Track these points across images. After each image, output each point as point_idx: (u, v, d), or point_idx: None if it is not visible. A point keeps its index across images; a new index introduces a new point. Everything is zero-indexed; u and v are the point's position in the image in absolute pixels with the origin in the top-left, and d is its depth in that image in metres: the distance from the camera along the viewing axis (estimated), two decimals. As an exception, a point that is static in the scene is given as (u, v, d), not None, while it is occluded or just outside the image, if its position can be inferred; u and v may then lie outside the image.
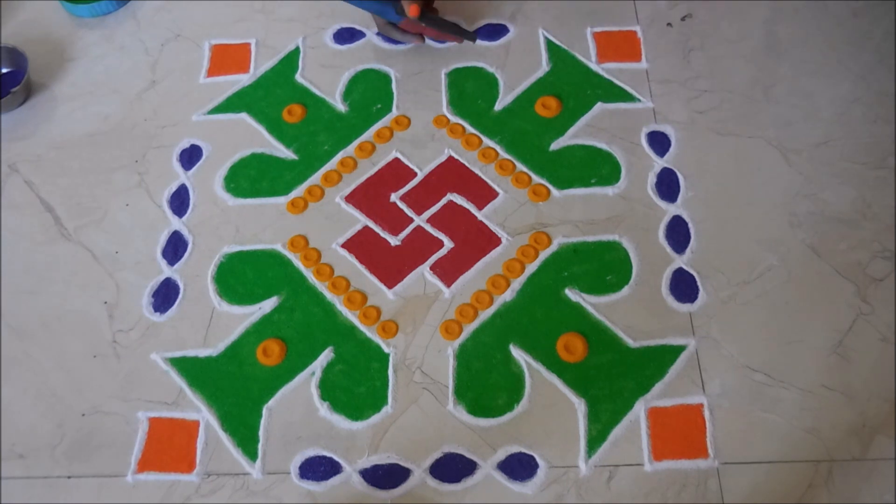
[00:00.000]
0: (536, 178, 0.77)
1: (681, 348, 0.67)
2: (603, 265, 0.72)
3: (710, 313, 0.69)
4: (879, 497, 0.60)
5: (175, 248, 0.75)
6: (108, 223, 0.77)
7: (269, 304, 0.72)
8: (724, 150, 0.78)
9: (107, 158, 0.81)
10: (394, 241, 0.74)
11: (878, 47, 0.83)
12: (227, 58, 0.88)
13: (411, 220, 0.75)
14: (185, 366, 0.69)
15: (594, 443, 0.64)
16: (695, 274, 0.71)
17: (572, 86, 0.82)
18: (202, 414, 0.67)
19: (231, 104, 0.84)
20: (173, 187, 0.79)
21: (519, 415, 0.65)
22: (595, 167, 0.77)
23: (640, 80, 0.82)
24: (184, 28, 0.91)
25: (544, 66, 0.84)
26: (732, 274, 0.71)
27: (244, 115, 0.83)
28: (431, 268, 0.73)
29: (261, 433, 0.66)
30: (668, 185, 0.76)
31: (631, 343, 0.68)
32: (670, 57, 0.84)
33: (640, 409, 0.65)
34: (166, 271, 0.74)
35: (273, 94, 0.85)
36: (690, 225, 0.73)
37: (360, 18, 0.89)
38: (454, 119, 0.81)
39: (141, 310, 0.72)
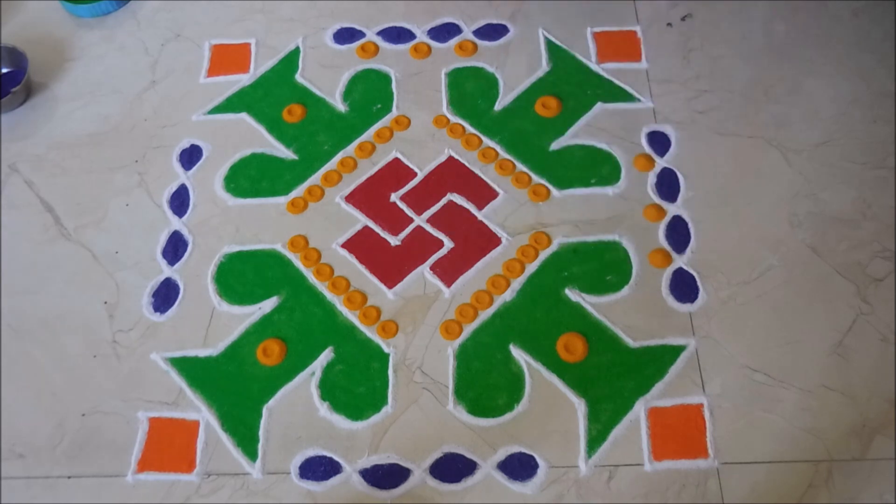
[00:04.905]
0: (536, 178, 0.77)
1: (681, 348, 0.67)
2: (603, 265, 0.72)
3: (710, 313, 0.69)
4: (879, 497, 0.60)
5: (175, 248, 0.75)
6: (108, 223, 0.77)
7: (269, 304, 0.72)
8: (724, 150, 0.78)
9: (107, 158, 0.81)
10: (394, 241, 0.74)
11: (878, 47, 0.83)
12: (227, 58, 0.88)
13: (411, 220, 0.75)
14: (185, 366, 0.69)
15: (594, 443, 0.64)
16: (695, 274, 0.71)
17: (572, 86, 0.82)
18: (202, 414, 0.67)
19: (231, 104, 0.84)
20: (173, 187, 0.79)
21: (519, 415, 0.65)
22: (595, 167, 0.77)
23: (640, 80, 0.82)
24: (184, 28, 0.91)
25: (544, 66, 0.84)
26: (732, 274, 0.71)
27: (244, 115, 0.83)
28: (431, 268, 0.73)
29: (261, 433, 0.66)
30: (668, 185, 0.76)
31: (631, 343, 0.68)
32: (670, 57, 0.84)
33: (640, 409, 0.65)
34: (166, 271, 0.74)
35: (273, 94, 0.85)
36: (690, 225, 0.73)
37: (361, 18, 0.89)
38: (454, 119, 0.81)
39: (141, 310, 0.72)
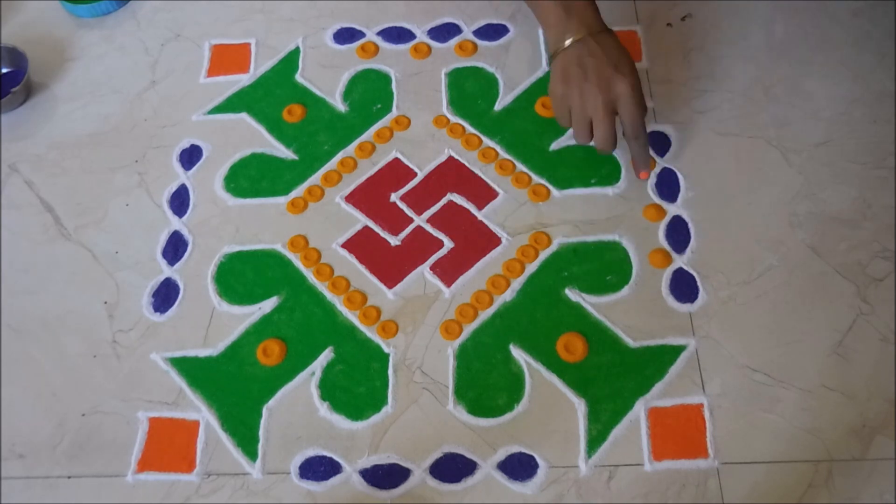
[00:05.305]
0: (536, 178, 0.77)
1: (681, 348, 0.67)
2: (603, 265, 0.72)
3: (710, 313, 0.69)
4: (879, 497, 0.60)
5: (175, 248, 0.75)
6: (108, 223, 0.77)
7: (269, 305, 0.72)
8: (724, 150, 0.78)
9: (107, 158, 0.81)
10: (394, 241, 0.74)
11: (878, 47, 0.83)
12: (227, 58, 0.88)
13: (411, 220, 0.75)
14: (185, 366, 0.69)
15: (594, 443, 0.64)
16: (695, 274, 0.71)
17: (572, 86, 0.82)
18: (202, 414, 0.67)
19: (231, 104, 0.84)
20: (173, 187, 0.79)
21: (519, 415, 0.65)
22: (595, 167, 0.77)
23: (641, 80, 0.82)
24: (184, 28, 0.91)
25: (544, 66, 0.84)
26: (732, 274, 0.71)
27: (244, 115, 0.83)
28: (431, 268, 0.73)
29: (261, 433, 0.66)
30: (668, 185, 0.76)
31: (631, 343, 0.68)
32: (670, 57, 0.84)
33: (640, 409, 0.65)
34: (166, 271, 0.74)
35: (273, 94, 0.85)
36: (690, 225, 0.73)
37: (361, 18, 0.89)
38: (454, 119, 0.81)
39: (141, 310, 0.72)
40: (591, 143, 0.72)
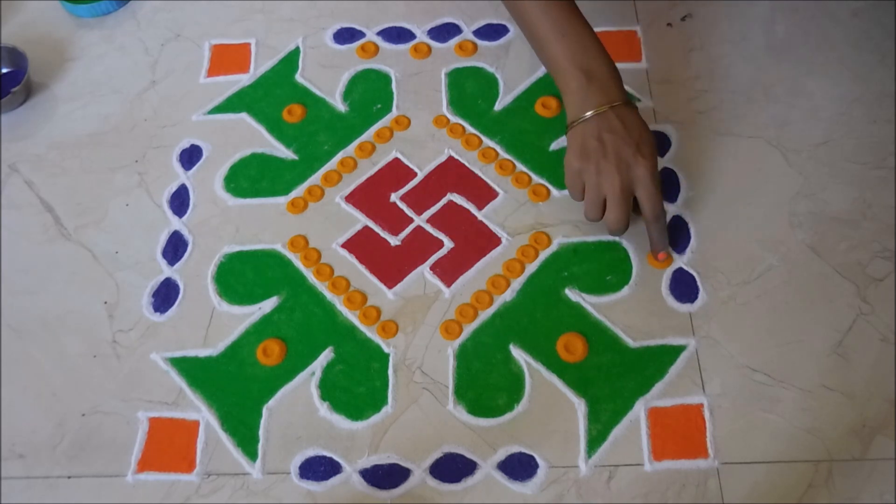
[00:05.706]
0: (536, 178, 0.77)
1: (681, 348, 0.67)
2: (603, 265, 0.72)
3: (710, 313, 0.69)
4: (879, 497, 0.60)
5: (175, 248, 0.75)
6: (108, 223, 0.77)
7: (269, 305, 0.72)
8: (724, 150, 0.78)
9: (107, 158, 0.81)
10: (394, 241, 0.74)
11: (878, 47, 0.83)
12: (227, 58, 0.88)
13: (411, 220, 0.75)
14: (185, 366, 0.69)
15: (594, 443, 0.64)
16: (695, 274, 0.71)
17: (572, 86, 0.82)
18: (202, 414, 0.67)
19: (231, 104, 0.84)
20: (173, 187, 0.79)
21: (519, 415, 0.65)
22: (595, 167, 0.77)
23: (640, 80, 0.82)
24: (184, 28, 0.91)
25: (544, 67, 0.84)
26: (732, 274, 0.71)
27: (244, 115, 0.83)
28: (431, 268, 0.73)
29: (261, 433, 0.66)
30: (668, 185, 0.76)
31: (631, 343, 0.68)
32: (670, 57, 0.84)
33: (640, 409, 0.65)
34: (166, 271, 0.74)
35: (273, 94, 0.85)
36: (690, 225, 0.73)
37: (361, 18, 0.89)
38: (454, 119, 0.81)
39: (141, 310, 0.72)
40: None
